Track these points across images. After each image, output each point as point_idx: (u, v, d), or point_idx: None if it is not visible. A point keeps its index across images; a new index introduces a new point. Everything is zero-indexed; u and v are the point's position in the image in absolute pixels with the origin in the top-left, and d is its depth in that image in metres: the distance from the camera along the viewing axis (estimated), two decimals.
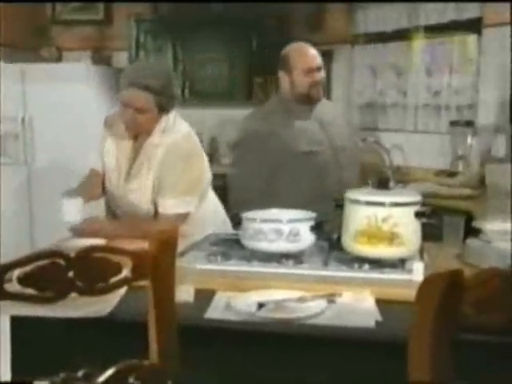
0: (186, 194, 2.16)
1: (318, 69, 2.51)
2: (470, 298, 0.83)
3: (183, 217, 2.15)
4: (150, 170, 2.20)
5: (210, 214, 2.36)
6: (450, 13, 3.91)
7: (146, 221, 2.22)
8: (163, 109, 2.17)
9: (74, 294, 1.02)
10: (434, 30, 3.98)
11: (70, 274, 1.02)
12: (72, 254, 1.01)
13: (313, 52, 2.53)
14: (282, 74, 2.56)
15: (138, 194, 2.22)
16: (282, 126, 2.48)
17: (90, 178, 2.30)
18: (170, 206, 2.16)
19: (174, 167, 2.15)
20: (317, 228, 1.76)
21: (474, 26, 3.71)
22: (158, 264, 1.15)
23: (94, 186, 2.28)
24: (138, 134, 2.23)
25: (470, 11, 3.76)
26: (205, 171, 2.29)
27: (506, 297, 0.84)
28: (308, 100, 2.52)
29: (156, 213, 2.21)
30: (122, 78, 2.16)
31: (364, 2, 4.36)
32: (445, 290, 0.77)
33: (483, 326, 0.89)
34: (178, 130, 2.23)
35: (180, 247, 1.78)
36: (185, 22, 4.90)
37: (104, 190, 2.32)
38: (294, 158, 2.43)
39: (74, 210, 2.00)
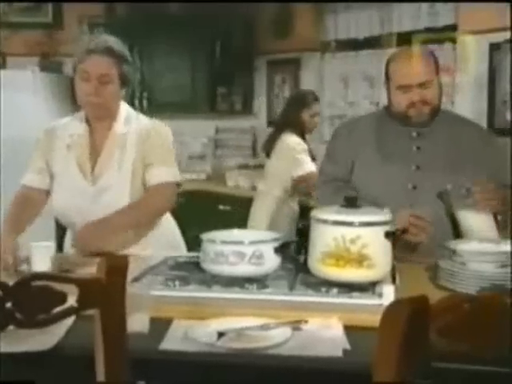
0: (172, 165, 2.30)
1: (421, 85, 2.17)
2: (437, 325, 0.84)
3: (172, 187, 2.29)
4: (124, 159, 2.23)
5: (166, 233, 2.37)
6: (424, 19, 4.01)
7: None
8: (124, 81, 2.25)
9: (12, 327, 1.01)
10: (407, 37, 4.08)
11: (8, 304, 1.00)
12: (10, 283, 1.00)
13: (417, 64, 2.19)
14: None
15: (114, 189, 2.23)
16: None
17: (21, 199, 2.29)
18: (159, 174, 2.26)
19: (159, 145, 2.28)
20: (282, 249, 1.77)
21: (449, 33, 3.81)
22: (108, 291, 1.15)
23: (28, 207, 2.27)
24: (100, 118, 2.26)
25: (445, 18, 3.86)
26: None
27: (475, 323, 0.86)
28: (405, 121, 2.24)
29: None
30: (77, 51, 2.22)
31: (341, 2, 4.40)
32: (409, 317, 0.79)
33: (452, 354, 0.91)
34: (144, 119, 2.33)
35: (135, 271, 1.79)
36: (142, 26, 4.91)
37: (37, 210, 2.30)
38: None
39: (43, 259, 1.95)
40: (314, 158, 3.94)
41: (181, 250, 2.38)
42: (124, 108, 2.31)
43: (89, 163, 2.26)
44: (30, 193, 2.31)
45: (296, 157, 3.89)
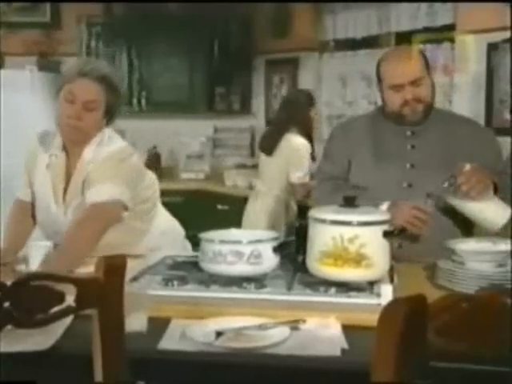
0: (112, 181, 2.05)
1: (413, 83, 2.17)
2: (435, 325, 0.84)
3: (112, 205, 2.04)
4: (85, 185, 2.12)
5: (163, 233, 2.36)
6: (422, 19, 4.01)
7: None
8: (109, 112, 2.15)
9: (10, 327, 1.01)
10: (405, 37, 4.08)
11: (6, 304, 1.00)
12: (8, 283, 0.99)
13: (407, 62, 2.20)
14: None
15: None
16: None
17: (17, 214, 2.24)
18: (93, 193, 2.03)
19: (109, 164, 2.09)
20: (280, 249, 1.77)
21: (448, 33, 3.81)
22: (106, 291, 1.15)
23: (25, 221, 2.23)
24: (75, 143, 2.15)
25: (444, 18, 3.87)
26: (142, 175, 2.25)
27: (473, 323, 0.86)
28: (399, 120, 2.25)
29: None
30: (68, 71, 2.13)
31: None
32: (407, 316, 0.79)
33: (450, 354, 0.91)
34: (116, 144, 2.18)
35: (133, 271, 1.79)
36: (141, 26, 4.91)
37: (34, 222, 2.25)
38: None
39: (41, 259, 1.92)
40: (314, 158, 3.92)
41: (184, 249, 2.36)
42: (100, 134, 2.16)
43: (61, 190, 2.17)
44: (25, 207, 2.25)
45: (299, 159, 3.87)
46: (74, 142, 2.17)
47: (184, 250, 2.35)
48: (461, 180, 2.00)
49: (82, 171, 2.14)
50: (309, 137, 3.94)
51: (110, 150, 2.15)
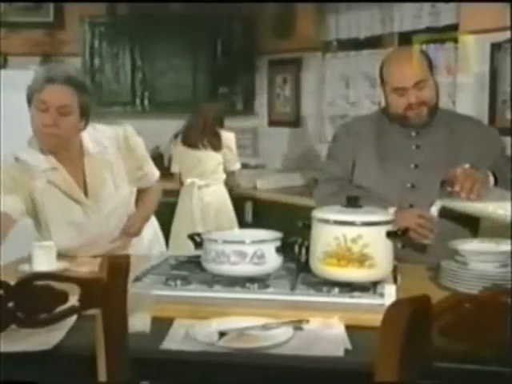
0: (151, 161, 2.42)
1: (416, 86, 2.15)
2: (439, 325, 0.84)
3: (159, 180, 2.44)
4: (116, 178, 2.20)
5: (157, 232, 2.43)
6: (425, 19, 4.00)
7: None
8: (84, 114, 2.11)
9: (14, 326, 1.01)
10: (408, 37, 4.07)
11: (10, 304, 1.00)
12: (12, 283, 1.00)
13: (410, 65, 2.16)
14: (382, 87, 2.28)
15: (120, 211, 2.22)
16: None
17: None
18: (153, 173, 2.41)
19: (140, 144, 2.32)
20: (284, 248, 1.77)
21: (451, 33, 3.80)
22: (109, 291, 1.15)
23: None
24: (57, 149, 2.12)
25: (447, 17, 3.86)
26: None
27: (476, 323, 0.86)
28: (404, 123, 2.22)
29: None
30: (34, 80, 2.08)
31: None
32: (411, 317, 0.79)
33: (454, 354, 0.91)
34: (102, 128, 2.25)
35: (136, 271, 1.79)
36: (144, 26, 4.91)
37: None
38: None
39: (45, 259, 1.94)
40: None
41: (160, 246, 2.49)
42: (84, 135, 2.18)
43: (80, 191, 2.17)
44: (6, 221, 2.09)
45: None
46: (56, 150, 2.13)
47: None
48: (457, 188, 2.01)
49: (98, 163, 2.19)
50: None
51: (110, 131, 2.25)
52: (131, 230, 2.26)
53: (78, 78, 2.12)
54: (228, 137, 4.39)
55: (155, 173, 2.43)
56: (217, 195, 4.30)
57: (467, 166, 2.07)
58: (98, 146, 2.19)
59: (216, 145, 4.31)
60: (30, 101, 2.09)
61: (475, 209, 2.06)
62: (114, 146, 2.22)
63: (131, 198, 2.29)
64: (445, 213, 2.12)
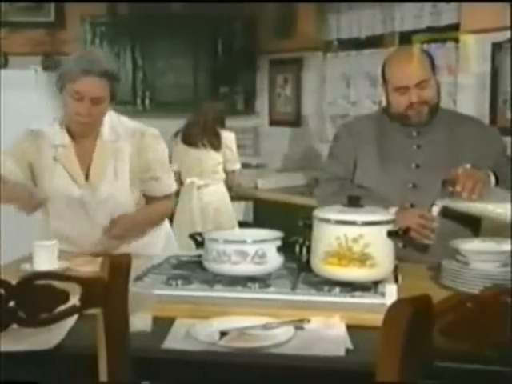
0: (171, 175, 2.41)
1: (418, 85, 2.15)
2: (440, 325, 0.84)
3: (173, 197, 2.42)
4: (119, 169, 2.21)
5: (165, 232, 2.42)
6: (426, 18, 4.00)
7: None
8: (113, 97, 2.20)
9: (15, 326, 1.01)
10: (409, 36, 4.07)
11: (11, 303, 1.00)
12: (13, 282, 1.00)
13: (412, 64, 2.17)
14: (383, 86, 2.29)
15: (115, 199, 2.21)
16: None
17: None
18: (168, 185, 2.35)
19: (160, 155, 2.32)
20: (285, 248, 1.77)
21: (452, 32, 3.80)
22: (110, 290, 1.15)
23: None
24: (86, 135, 2.21)
25: (448, 17, 3.85)
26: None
27: (478, 323, 0.86)
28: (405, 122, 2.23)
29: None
30: (69, 69, 2.12)
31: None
32: (412, 316, 0.78)
33: (455, 354, 0.91)
34: (127, 122, 2.29)
35: (137, 270, 1.79)
36: (145, 26, 4.91)
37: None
38: None
39: (46, 259, 1.95)
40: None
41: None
42: (107, 118, 2.24)
43: (82, 174, 2.21)
44: None
45: None
46: (84, 135, 2.22)
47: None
48: (458, 188, 2.01)
49: (107, 151, 2.21)
50: None
51: (134, 127, 2.27)
52: (112, 231, 2.17)
53: (113, 69, 2.20)
54: (228, 137, 4.39)
55: (169, 184, 2.36)
56: (216, 195, 4.30)
57: (468, 165, 2.07)
58: (113, 135, 2.23)
59: (216, 144, 4.31)
60: (61, 87, 2.16)
61: (476, 209, 2.06)
62: (128, 139, 2.24)
63: (128, 197, 2.25)
64: (446, 213, 2.11)
